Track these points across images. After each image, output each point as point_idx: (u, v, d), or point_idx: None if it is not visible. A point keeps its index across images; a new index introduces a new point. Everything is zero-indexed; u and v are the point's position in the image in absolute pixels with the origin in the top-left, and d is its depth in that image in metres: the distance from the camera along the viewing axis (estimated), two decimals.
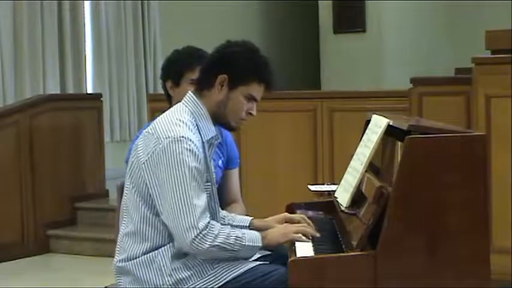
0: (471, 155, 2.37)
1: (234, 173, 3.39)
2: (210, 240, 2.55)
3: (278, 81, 2.81)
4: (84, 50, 7.52)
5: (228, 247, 2.59)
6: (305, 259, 2.43)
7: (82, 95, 7.26)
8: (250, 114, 2.74)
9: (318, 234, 2.68)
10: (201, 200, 2.58)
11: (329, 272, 2.37)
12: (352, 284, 2.35)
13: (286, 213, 2.91)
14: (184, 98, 2.74)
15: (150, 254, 2.62)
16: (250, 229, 2.82)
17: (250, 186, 5.44)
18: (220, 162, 3.30)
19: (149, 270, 2.62)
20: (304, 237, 2.66)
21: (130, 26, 8.00)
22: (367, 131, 2.84)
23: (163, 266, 2.60)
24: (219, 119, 2.73)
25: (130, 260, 2.65)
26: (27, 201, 6.13)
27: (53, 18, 7.23)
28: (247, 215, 2.96)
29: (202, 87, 2.73)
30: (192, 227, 2.53)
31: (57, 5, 7.28)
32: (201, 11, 8.36)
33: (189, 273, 2.60)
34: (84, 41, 7.52)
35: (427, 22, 8.59)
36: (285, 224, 2.78)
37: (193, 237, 2.53)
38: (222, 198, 3.33)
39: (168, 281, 2.59)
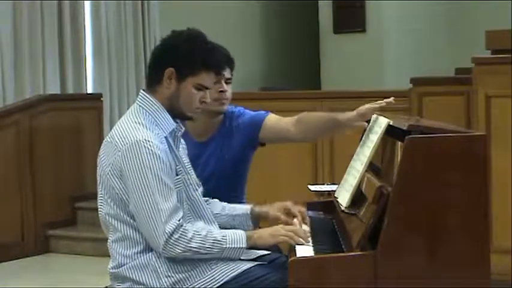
0: (471, 155, 2.37)
1: (270, 118, 3.21)
2: (183, 245, 2.53)
3: (231, 61, 2.79)
4: (84, 50, 7.51)
5: (204, 251, 2.56)
6: (305, 259, 2.43)
7: (82, 95, 7.25)
8: (204, 102, 2.72)
9: (305, 242, 2.62)
10: (169, 202, 2.55)
11: (329, 272, 2.36)
12: (352, 284, 2.35)
13: (288, 203, 2.89)
14: (137, 98, 2.72)
15: (145, 256, 2.60)
16: (252, 216, 2.87)
17: (250, 187, 5.43)
18: (226, 156, 3.23)
19: (145, 273, 2.60)
20: (291, 241, 2.62)
21: (131, 26, 8.00)
22: (367, 131, 2.84)
23: (159, 268, 2.59)
24: (174, 112, 2.70)
25: (123, 265, 2.63)
26: (27, 201, 6.13)
27: (53, 19, 7.22)
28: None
29: (152, 83, 2.70)
30: (162, 233, 2.51)
31: (57, 5, 7.27)
32: (201, 11, 8.36)
33: (186, 274, 2.59)
34: (84, 41, 7.52)
35: (427, 22, 8.58)
36: (275, 226, 2.74)
37: (163, 243, 2.51)
38: (288, 138, 3.22)
39: (166, 282, 2.58)
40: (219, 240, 2.58)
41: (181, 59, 2.65)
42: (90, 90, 7.61)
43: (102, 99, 7.00)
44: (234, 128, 3.22)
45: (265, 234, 2.67)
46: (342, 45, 8.43)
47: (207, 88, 2.70)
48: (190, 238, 2.54)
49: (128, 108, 8.50)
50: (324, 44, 8.62)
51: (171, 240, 2.52)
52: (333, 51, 8.51)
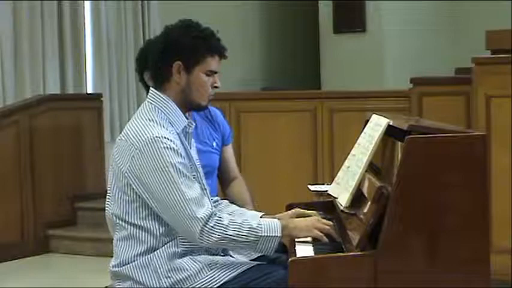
0: (471, 155, 2.37)
1: (229, 149, 3.46)
2: (220, 232, 2.52)
3: (224, 47, 2.80)
4: (84, 50, 7.52)
5: (240, 239, 2.54)
6: (305, 259, 2.43)
7: (82, 95, 7.26)
8: (216, 87, 2.74)
9: (337, 241, 2.63)
10: (195, 191, 2.55)
11: (329, 272, 2.36)
12: (352, 284, 2.35)
13: (297, 209, 2.86)
14: (148, 96, 2.73)
15: (146, 257, 2.60)
16: None
17: (250, 187, 5.43)
18: (214, 144, 3.32)
19: (145, 273, 2.60)
20: (325, 239, 2.61)
21: (131, 26, 8.00)
22: (367, 130, 2.84)
23: (160, 268, 2.59)
24: (188, 104, 2.71)
25: (125, 264, 2.63)
26: (27, 201, 6.13)
27: (53, 18, 7.23)
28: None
29: (161, 81, 2.71)
30: (194, 220, 2.50)
31: (57, 4, 7.28)
32: (201, 11, 8.34)
33: (186, 274, 2.58)
34: (84, 41, 7.53)
35: (427, 22, 8.58)
36: (312, 218, 2.72)
37: (199, 230, 2.50)
38: (223, 178, 3.36)
39: (165, 282, 2.58)
40: (254, 228, 2.55)
41: (185, 50, 2.67)
42: (90, 90, 7.61)
43: (102, 99, 7.00)
44: (217, 121, 3.40)
45: (301, 225, 2.64)
46: (342, 45, 8.43)
47: (215, 72, 2.73)
48: (227, 225, 2.53)
49: (127, 108, 8.53)
50: (324, 44, 8.62)
51: (207, 228, 2.51)
52: (333, 51, 8.51)
